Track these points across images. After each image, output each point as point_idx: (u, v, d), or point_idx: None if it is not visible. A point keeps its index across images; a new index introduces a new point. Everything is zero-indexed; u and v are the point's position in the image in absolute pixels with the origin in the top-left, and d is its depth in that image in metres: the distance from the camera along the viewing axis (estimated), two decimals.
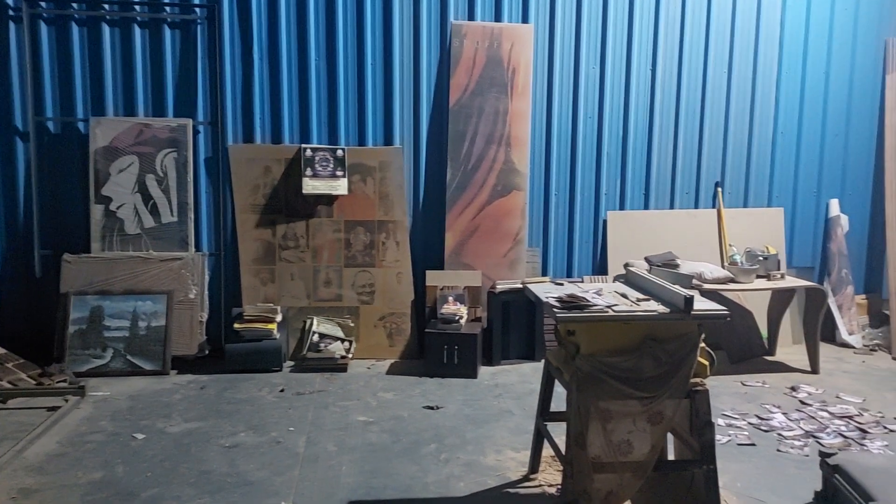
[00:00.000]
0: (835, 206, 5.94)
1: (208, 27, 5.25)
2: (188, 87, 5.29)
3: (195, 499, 3.20)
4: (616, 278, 3.57)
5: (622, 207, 5.77)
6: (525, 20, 5.47)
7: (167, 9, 5.24)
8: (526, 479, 3.41)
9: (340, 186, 5.32)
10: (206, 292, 5.32)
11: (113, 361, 4.99)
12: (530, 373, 5.11)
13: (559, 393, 3.24)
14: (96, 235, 5.19)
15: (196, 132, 5.32)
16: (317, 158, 5.29)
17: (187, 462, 3.58)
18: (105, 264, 5.14)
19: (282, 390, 4.67)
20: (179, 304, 5.16)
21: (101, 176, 5.18)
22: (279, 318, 5.13)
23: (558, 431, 3.13)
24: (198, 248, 5.35)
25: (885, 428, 4.09)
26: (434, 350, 5.05)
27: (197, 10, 5.24)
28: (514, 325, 5.48)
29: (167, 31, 5.24)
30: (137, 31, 5.21)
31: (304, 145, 5.31)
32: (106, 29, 5.17)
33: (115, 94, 5.24)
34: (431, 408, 4.39)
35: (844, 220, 5.93)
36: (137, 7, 5.21)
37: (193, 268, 5.21)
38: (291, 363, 5.25)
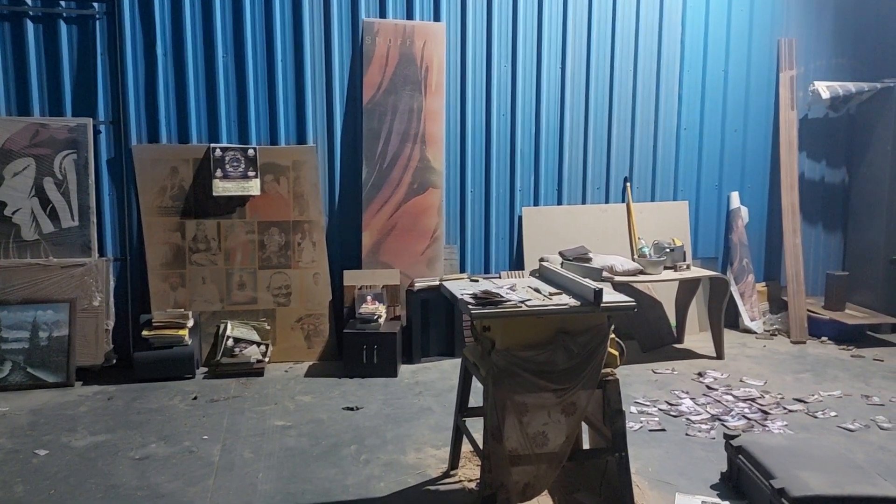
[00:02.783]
0: (735, 199, 6.23)
1: (108, 22, 5.03)
2: (87, 85, 5.06)
3: None
4: (532, 273, 3.63)
5: (536, 203, 5.87)
6: (437, 18, 5.49)
7: (62, 3, 4.98)
8: (446, 475, 3.43)
9: (253, 187, 5.20)
10: (112, 299, 5.10)
11: (12, 375, 4.73)
12: (450, 369, 5.13)
13: (477, 388, 3.27)
14: None
15: (97, 132, 5.09)
16: (227, 158, 5.15)
17: (94, 477, 3.42)
18: (0, 273, 4.86)
19: (195, 398, 4.53)
20: (83, 313, 4.93)
21: None
22: (190, 323, 4.97)
23: (477, 427, 3.15)
24: (101, 253, 5.12)
25: (785, 408, 4.32)
26: (353, 350, 5.00)
27: (95, 4, 5.00)
28: (433, 323, 5.51)
29: (63, 27, 4.98)
30: (30, 26, 4.94)
31: (213, 145, 5.15)
32: None
33: (6, 93, 4.95)
34: (351, 409, 4.35)
35: (744, 211, 6.22)
36: (29, 1, 4.93)
37: (97, 274, 4.99)
38: (205, 370, 5.10)
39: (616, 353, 3.03)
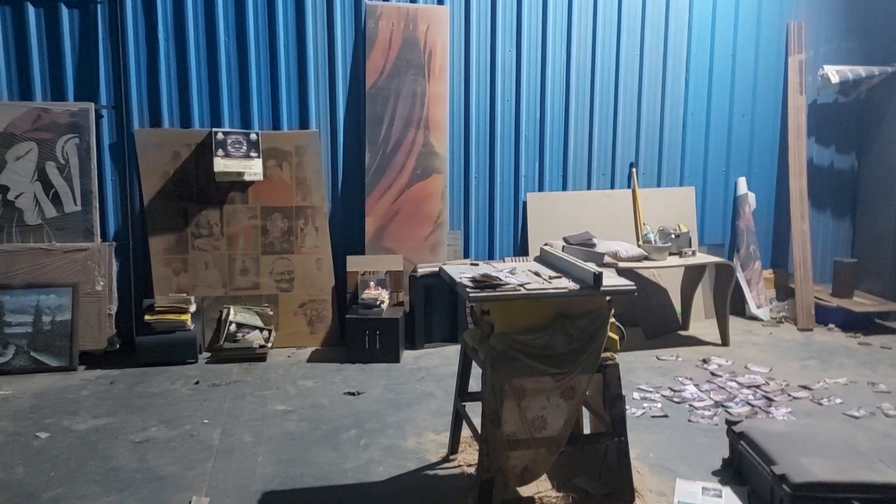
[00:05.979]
0: (742, 185, 6.16)
1: (109, 6, 5.00)
2: (89, 69, 5.04)
3: (102, 497, 3.07)
4: (536, 259, 3.59)
5: (541, 189, 5.83)
6: (440, 1, 5.43)
7: None
8: (445, 460, 3.41)
9: (254, 166, 5.16)
10: (115, 284, 5.10)
11: (15, 359, 4.74)
12: (453, 355, 5.10)
13: (479, 373, 3.24)
14: None
15: (99, 117, 5.07)
16: (229, 142, 5.12)
17: (94, 459, 3.43)
18: (3, 257, 4.86)
19: (196, 382, 4.53)
20: (86, 297, 4.94)
21: None
22: (193, 308, 4.97)
23: (478, 412, 3.13)
24: (104, 237, 5.12)
25: (790, 395, 4.28)
26: (356, 336, 4.99)
27: None
28: (436, 309, 5.48)
29: (64, 10, 4.96)
30: (31, 10, 4.92)
31: (215, 129, 5.12)
32: None
33: (8, 78, 4.94)
34: (352, 394, 4.34)
35: (752, 197, 6.15)
36: None
37: (100, 258, 4.99)
38: (207, 354, 5.10)
39: (616, 337, 2.99)
